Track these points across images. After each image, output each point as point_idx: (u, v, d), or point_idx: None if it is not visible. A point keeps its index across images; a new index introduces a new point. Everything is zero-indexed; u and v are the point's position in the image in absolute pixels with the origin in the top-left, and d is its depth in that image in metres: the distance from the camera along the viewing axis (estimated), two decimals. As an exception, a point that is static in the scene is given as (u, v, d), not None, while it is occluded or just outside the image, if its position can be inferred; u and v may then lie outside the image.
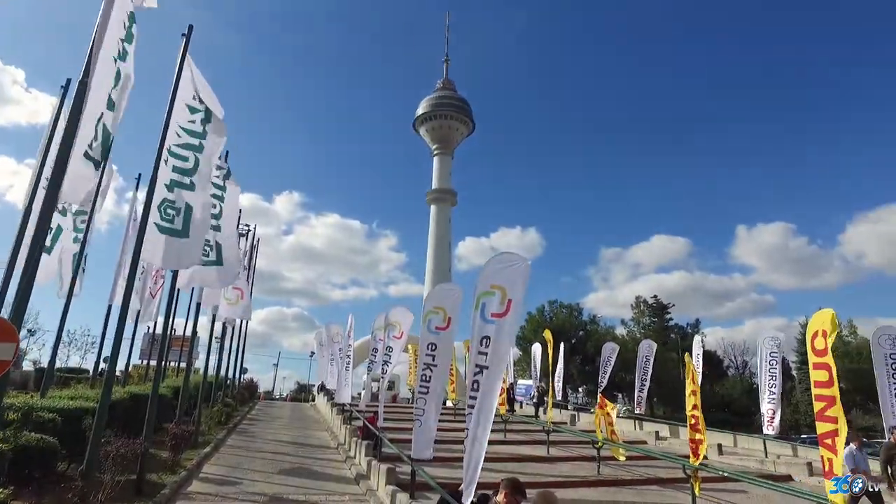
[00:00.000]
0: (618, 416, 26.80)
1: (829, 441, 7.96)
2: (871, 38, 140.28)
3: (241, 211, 18.22)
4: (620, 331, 61.75)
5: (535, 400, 28.46)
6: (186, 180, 9.99)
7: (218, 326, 20.72)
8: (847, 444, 9.89)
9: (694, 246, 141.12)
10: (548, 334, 19.63)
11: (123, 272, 14.40)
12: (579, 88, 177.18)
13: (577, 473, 13.47)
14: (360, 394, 30.36)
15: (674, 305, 61.85)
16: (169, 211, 9.37)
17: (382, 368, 14.13)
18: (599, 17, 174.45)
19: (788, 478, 14.10)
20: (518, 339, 58.83)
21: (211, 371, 24.90)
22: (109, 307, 15.89)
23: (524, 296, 5.85)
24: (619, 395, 51.42)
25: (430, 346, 8.56)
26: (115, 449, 8.27)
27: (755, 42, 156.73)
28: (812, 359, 8.35)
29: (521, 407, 30.90)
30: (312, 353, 50.95)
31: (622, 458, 13.77)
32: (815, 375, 8.24)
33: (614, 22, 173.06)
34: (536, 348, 24.95)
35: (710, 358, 46.09)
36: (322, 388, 30.17)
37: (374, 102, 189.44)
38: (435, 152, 76.77)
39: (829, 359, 8.12)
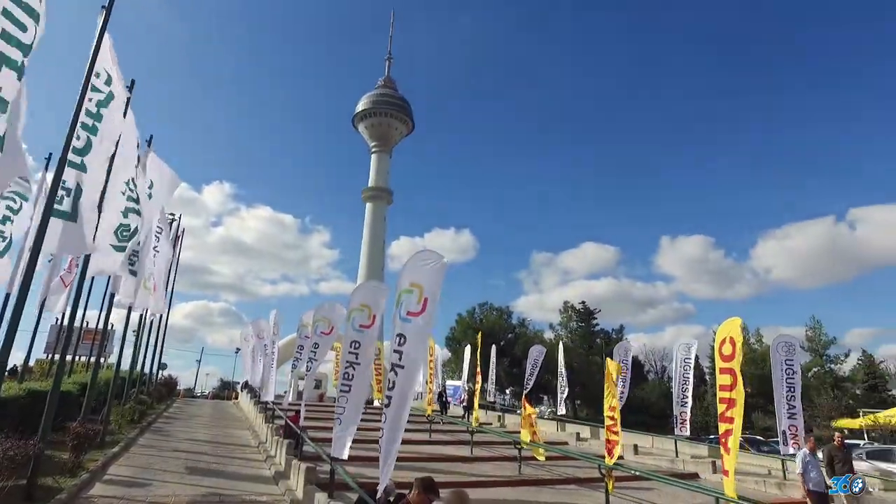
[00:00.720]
0: (543, 418, 27.58)
1: (728, 440, 8.48)
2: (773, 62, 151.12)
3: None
4: (549, 335, 63.36)
5: (464, 402, 28.72)
6: (78, 160, 9.37)
7: (135, 318, 19.62)
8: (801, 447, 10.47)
9: (622, 254, 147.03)
10: (478, 337, 19.93)
11: (25, 257, 13.36)
12: (517, 92, 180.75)
13: (499, 473, 13.69)
14: (286, 392, 29.62)
15: (600, 311, 64.03)
16: (60, 192, 8.74)
17: (307, 366, 13.81)
18: (538, 22, 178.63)
19: (695, 476, 14.91)
20: (448, 340, 59.27)
21: (127, 366, 23.48)
22: (7, 295, 14.68)
23: (439, 294, 5.87)
24: (545, 398, 52.75)
25: (353, 344, 8.43)
26: (3, 451, 7.58)
27: (675, 52, 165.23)
28: (719, 363, 8.86)
29: (449, 408, 31.09)
30: (238, 349, 49.27)
31: (542, 459, 14.10)
32: (721, 379, 8.75)
33: (554, 27, 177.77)
34: (468, 350, 25.22)
35: (632, 363, 48.08)
36: (246, 385, 29.20)
37: (315, 96, 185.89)
38: (373, 150, 76.13)
39: (734, 364, 8.64)
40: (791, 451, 14.90)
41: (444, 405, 27.18)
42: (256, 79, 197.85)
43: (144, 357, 24.48)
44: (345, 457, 8.49)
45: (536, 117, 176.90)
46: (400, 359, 5.84)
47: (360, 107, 76.11)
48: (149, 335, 24.38)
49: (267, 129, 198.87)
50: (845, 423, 35.20)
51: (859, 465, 19.07)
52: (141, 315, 20.00)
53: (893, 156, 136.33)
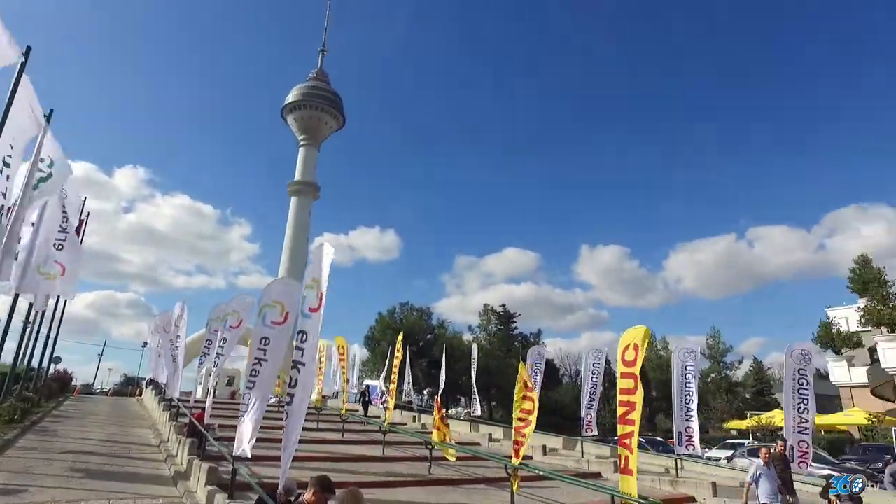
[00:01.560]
0: (459, 419, 27.92)
1: (627, 441, 8.91)
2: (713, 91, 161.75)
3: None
4: (468, 337, 64.21)
5: (384, 403, 28.55)
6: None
7: (23, 306, 18.01)
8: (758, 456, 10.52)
9: (543, 260, 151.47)
10: (396, 337, 19.82)
11: None
12: (448, 94, 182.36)
13: (410, 473, 13.70)
14: (197, 389, 28.35)
15: (520, 315, 65.46)
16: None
17: (214, 361, 13.24)
18: (471, 25, 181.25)
19: (598, 475, 15.57)
20: (367, 339, 58.71)
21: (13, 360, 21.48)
22: None
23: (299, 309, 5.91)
24: (462, 399, 53.47)
25: (262, 341, 8.17)
26: None
27: (604, 59, 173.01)
28: (621, 368, 9.29)
29: (369, 408, 30.82)
30: (146, 343, 46.49)
31: (453, 459, 14.27)
32: (622, 383, 9.18)
33: (485, 30, 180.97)
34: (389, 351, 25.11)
35: (547, 366, 49.68)
36: (151, 381, 27.59)
37: (245, 84, 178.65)
38: (301, 143, 74.28)
39: (635, 370, 9.09)
40: (686, 451, 15.92)
41: (365, 405, 26.92)
42: (181, 61, 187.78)
43: (33, 350, 22.49)
44: (248, 455, 8.21)
45: (463, 120, 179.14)
46: (302, 356, 5.73)
47: (289, 98, 74.01)
48: (39, 325, 22.44)
49: (189, 115, 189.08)
50: (735, 424, 38.05)
51: (741, 462, 20.76)
52: (31, 302, 18.36)
53: (790, 179, 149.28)
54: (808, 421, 12.98)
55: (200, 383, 29.54)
